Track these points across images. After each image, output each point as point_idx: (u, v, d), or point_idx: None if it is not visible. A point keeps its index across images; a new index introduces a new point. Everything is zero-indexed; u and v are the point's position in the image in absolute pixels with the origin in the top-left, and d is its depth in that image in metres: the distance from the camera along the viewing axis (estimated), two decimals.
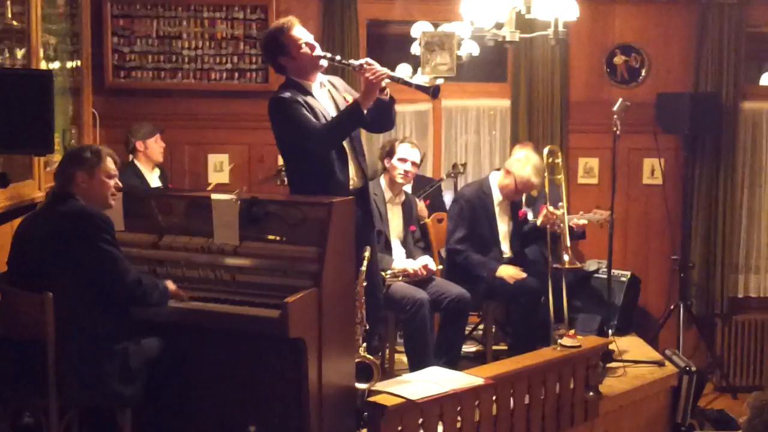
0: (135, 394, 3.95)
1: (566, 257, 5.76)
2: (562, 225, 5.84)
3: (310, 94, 4.68)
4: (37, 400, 3.87)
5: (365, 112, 4.50)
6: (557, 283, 6.01)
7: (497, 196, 6.05)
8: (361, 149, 4.82)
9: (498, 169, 6.30)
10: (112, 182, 4.10)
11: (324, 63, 4.70)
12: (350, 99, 4.69)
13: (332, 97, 4.79)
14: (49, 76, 3.73)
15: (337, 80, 4.92)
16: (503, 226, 6.08)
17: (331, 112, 4.69)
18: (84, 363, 3.84)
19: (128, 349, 3.94)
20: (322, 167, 4.57)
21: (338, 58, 4.70)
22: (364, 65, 4.50)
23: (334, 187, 4.53)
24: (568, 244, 5.86)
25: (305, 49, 4.63)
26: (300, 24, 4.71)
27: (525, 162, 5.97)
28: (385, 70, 4.50)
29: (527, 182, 5.95)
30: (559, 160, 6.09)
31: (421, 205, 6.29)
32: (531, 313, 5.91)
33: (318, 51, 4.67)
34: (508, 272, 5.87)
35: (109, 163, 4.08)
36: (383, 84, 4.52)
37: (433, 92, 4.56)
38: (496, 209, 6.05)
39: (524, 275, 5.88)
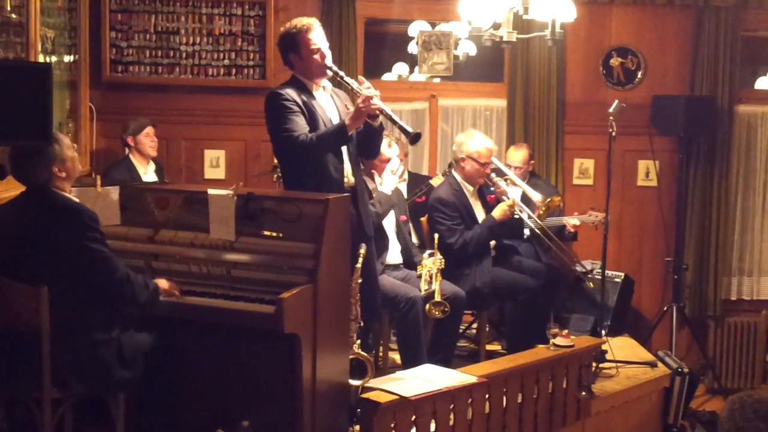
0: (130, 379, 3.96)
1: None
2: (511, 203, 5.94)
3: (311, 95, 4.71)
4: (31, 392, 3.87)
5: (351, 133, 4.58)
6: (553, 282, 6.05)
7: (467, 188, 6.06)
8: (360, 137, 4.82)
9: (448, 169, 6.28)
10: (75, 154, 4.06)
11: (329, 73, 4.75)
12: (350, 108, 4.74)
13: (335, 102, 4.84)
14: (48, 69, 3.73)
15: (341, 92, 4.96)
16: (480, 215, 6.08)
17: (333, 116, 4.75)
18: (79, 350, 3.85)
19: (121, 340, 3.95)
20: (317, 164, 4.60)
21: (342, 74, 4.73)
22: (362, 90, 4.57)
23: (328, 184, 4.56)
24: (536, 198, 6.07)
25: (316, 55, 4.69)
26: (320, 28, 4.75)
27: (467, 138, 6.03)
28: (378, 102, 4.56)
29: (485, 151, 5.96)
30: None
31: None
32: (527, 312, 5.93)
33: (328, 61, 4.72)
34: (502, 209, 5.92)
35: (63, 138, 4.02)
36: (375, 112, 4.58)
37: (413, 138, 4.60)
38: (471, 200, 6.06)
39: (514, 200, 5.95)
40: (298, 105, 4.63)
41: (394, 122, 4.65)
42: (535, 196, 6.19)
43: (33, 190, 3.96)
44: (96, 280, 3.90)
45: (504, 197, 6.03)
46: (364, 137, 4.77)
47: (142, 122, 6.51)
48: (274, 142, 4.78)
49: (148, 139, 6.51)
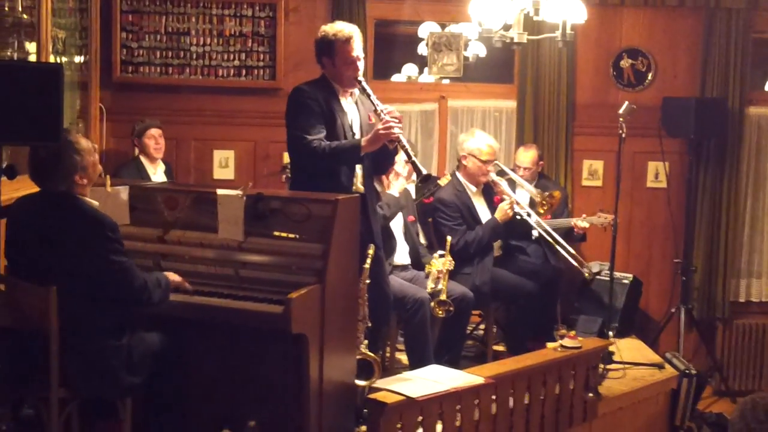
0: (138, 384, 3.97)
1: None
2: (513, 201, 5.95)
3: (337, 99, 4.74)
4: (39, 392, 3.89)
5: (363, 153, 4.60)
6: (555, 286, 6.04)
7: (470, 188, 6.06)
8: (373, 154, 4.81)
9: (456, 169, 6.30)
10: (96, 156, 4.04)
11: (357, 86, 4.76)
12: (373, 119, 4.76)
13: (359, 110, 4.85)
14: (59, 70, 3.75)
15: (366, 100, 4.90)
16: (485, 215, 6.07)
17: (354, 124, 4.78)
18: (88, 354, 3.85)
19: (131, 342, 3.96)
20: (330, 169, 4.61)
21: (369, 91, 4.72)
22: (386, 114, 4.57)
23: (338, 190, 4.55)
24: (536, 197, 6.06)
25: (349, 67, 4.70)
26: (359, 39, 4.75)
27: (469, 136, 6.05)
28: (398, 132, 4.55)
29: (486, 148, 5.95)
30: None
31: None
32: (525, 316, 5.91)
33: (359, 74, 4.72)
34: (502, 210, 5.91)
35: (84, 142, 3.97)
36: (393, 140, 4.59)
37: (424, 178, 4.61)
38: (474, 200, 6.06)
39: (513, 199, 5.91)
40: (320, 105, 4.63)
41: (408, 157, 4.63)
42: (532, 190, 6.20)
43: (54, 194, 3.93)
44: (114, 290, 3.88)
45: (505, 197, 6.02)
46: (378, 155, 4.76)
47: (147, 124, 6.53)
48: (288, 138, 4.77)
49: (151, 141, 6.52)
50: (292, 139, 4.70)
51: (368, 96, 4.71)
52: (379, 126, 4.57)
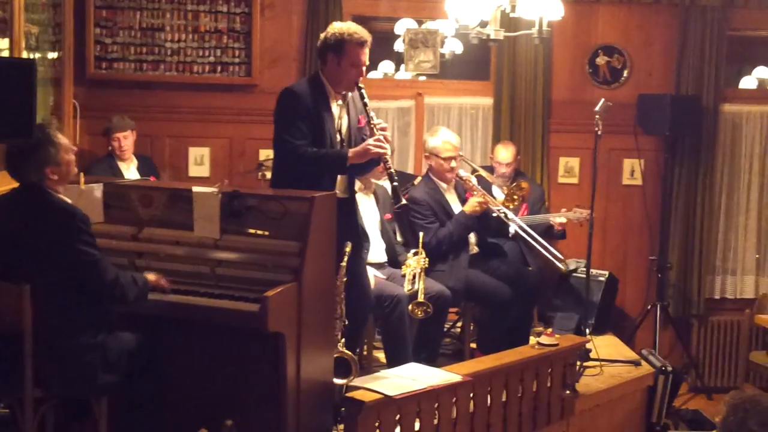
0: (115, 383, 3.94)
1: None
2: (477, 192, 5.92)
3: (327, 102, 4.70)
4: (13, 392, 3.85)
5: (349, 164, 4.61)
6: (533, 291, 6.02)
7: (441, 186, 6.05)
8: (359, 140, 4.79)
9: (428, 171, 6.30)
10: (73, 156, 4.02)
11: (355, 92, 4.74)
12: (362, 122, 4.77)
13: (348, 113, 4.82)
14: (33, 65, 3.70)
15: (358, 102, 4.86)
16: (457, 210, 6.05)
17: (343, 125, 4.76)
18: (64, 352, 3.82)
19: (107, 341, 3.93)
20: (312, 174, 4.59)
21: (366, 100, 4.71)
22: (378, 132, 4.58)
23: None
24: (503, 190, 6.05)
25: (354, 71, 4.67)
26: (369, 47, 4.71)
27: (430, 135, 6.03)
28: (388, 152, 4.59)
29: (446, 144, 5.92)
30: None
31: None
32: (498, 319, 5.89)
33: (360, 81, 4.70)
34: (472, 204, 5.88)
35: (62, 139, 3.97)
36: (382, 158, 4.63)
37: (400, 206, 4.65)
38: (447, 197, 6.05)
39: (483, 198, 5.90)
40: (308, 110, 4.59)
41: (391, 180, 4.63)
42: (497, 181, 6.22)
43: (25, 187, 3.93)
44: (86, 283, 3.87)
45: (475, 192, 5.99)
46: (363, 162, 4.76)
47: (112, 126, 6.43)
48: (274, 139, 4.74)
49: (116, 143, 6.44)
50: (278, 141, 4.67)
51: (365, 105, 4.70)
52: (370, 141, 4.58)
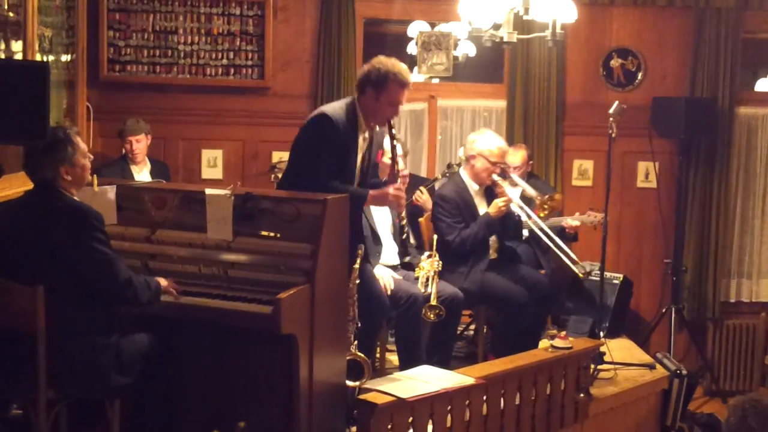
0: (128, 385, 3.94)
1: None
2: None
3: (356, 132, 4.69)
4: (27, 392, 3.85)
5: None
6: (549, 297, 6.00)
7: (472, 187, 6.02)
8: (373, 174, 4.88)
9: (447, 169, 6.28)
10: (88, 163, 4.04)
11: (385, 129, 4.77)
12: (379, 157, 4.89)
13: (371, 144, 4.84)
14: (46, 68, 3.70)
15: (380, 134, 4.90)
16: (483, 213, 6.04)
17: (364, 159, 4.79)
18: (77, 353, 3.82)
19: (120, 342, 3.93)
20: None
21: (395, 142, 4.76)
22: (400, 176, 4.71)
23: None
24: (537, 200, 5.99)
25: (390, 109, 4.68)
26: (409, 90, 4.73)
27: (481, 134, 5.98)
28: (403, 195, 4.71)
29: (497, 150, 5.90)
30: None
31: (426, 197, 6.27)
32: (513, 323, 5.86)
33: (393, 119, 4.74)
34: (496, 206, 5.85)
35: (81, 143, 4.00)
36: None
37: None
38: (475, 199, 6.03)
39: (508, 197, 5.88)
40: (339, 141, 4.57)
41: (401, 234, 4.85)
42: (532, 193, 6.18)
43: (39, 188, 3.94)
44: (99, 283, 3.87)
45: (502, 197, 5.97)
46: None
47: (126, 128, 6.46)
48: (296, 156, 4.71)
49: (128, 146, 6.47)
50: (302, 163, 4.62)
51: (393, 146, 4.74)
52: (391, 190, 4.65)
